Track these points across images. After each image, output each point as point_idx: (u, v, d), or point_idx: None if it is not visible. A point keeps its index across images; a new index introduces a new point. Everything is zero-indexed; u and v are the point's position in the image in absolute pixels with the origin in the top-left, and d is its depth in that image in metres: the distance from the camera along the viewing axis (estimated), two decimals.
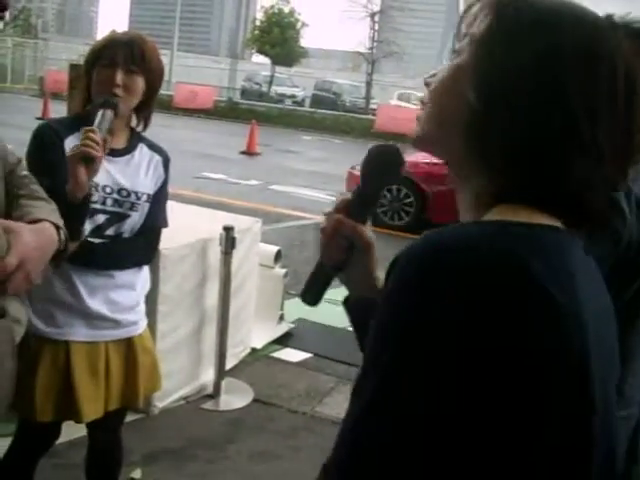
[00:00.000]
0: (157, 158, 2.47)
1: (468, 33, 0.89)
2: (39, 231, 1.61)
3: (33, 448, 2.53)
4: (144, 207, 2.39)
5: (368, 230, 1.14)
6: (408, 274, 0.78)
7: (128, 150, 2.40)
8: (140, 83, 2.29)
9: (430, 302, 0.75)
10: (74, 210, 2.04)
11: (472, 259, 0.76)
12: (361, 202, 1.15)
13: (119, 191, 2.33)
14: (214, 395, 4.28)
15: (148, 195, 2.40)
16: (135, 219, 2.37)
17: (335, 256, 1.15)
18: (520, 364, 0.74)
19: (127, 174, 2.37)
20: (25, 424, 2.43)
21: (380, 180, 1.14)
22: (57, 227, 1.69)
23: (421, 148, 0.99)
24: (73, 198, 2.05)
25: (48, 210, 1.73)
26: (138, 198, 2.37)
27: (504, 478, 0.76)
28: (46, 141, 2.27)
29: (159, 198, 2.45)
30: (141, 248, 2.42)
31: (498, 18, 0.86)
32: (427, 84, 0.95)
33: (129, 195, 2.35)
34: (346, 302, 1.23)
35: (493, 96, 0.83)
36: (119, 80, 2.24)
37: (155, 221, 2.44)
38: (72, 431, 2.82)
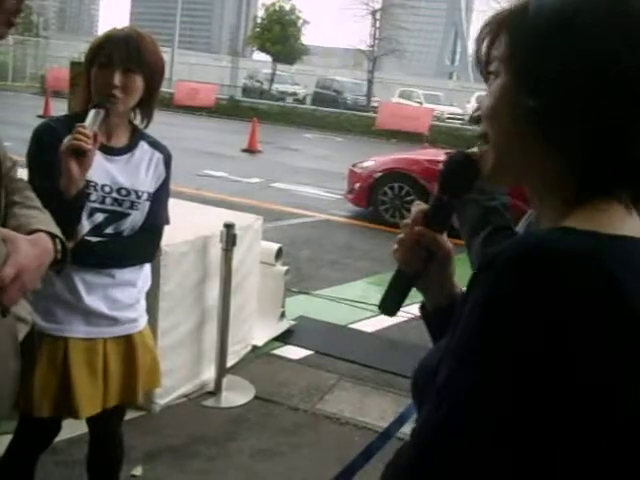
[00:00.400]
0: (158, 156, 2.46)
1: (494, 58, 0.92)
2: (35, 242, 1.60)
3: (33, 444, 2.53)
4: (145, 206, 2.38)
5: (446, 239, 1.15)
6: (502, 278, 0.79)
7: (129, 148, 2.40)
8: (139, 82, 2.28)
9: (527, 314, 0.76)
10: (68, 206, 2.04)
11: (571, 273, 0.76)
12: (440, 212, 1.15)
13: (118, 190, 2.33)
14: (215, 392, 4.29)
15: (149, 194, 2.40)
16: (136, 218, 2.36)
17: (414, 266, 1.15)
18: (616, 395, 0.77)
19: (127, 173, 2.36)
20: (25, 420, 2.43)
21: (459, 189, 1.14)
22: (53, 237, 1.69)
23: (497, 179, 1.00)
24: (67, 194, 2.06)
25: (43, 219, 1.73)
26: (138, 197, 2.37)
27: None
28: (46, 141, 2.26)
29: (160, 196, 2.45)
30: (141, 246, 2.41)
31: (515, 29, 0.89)
32: (476, 120, 0.98)
33: (129, 194, 2.35)
34: (423, 310, 1.24)
35: (552, 91, 0.85)
36: (117, 81, 2.23)
37: (156, 219, 2.43)
38: (73, 428, 2.83)
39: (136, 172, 2.39)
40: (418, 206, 1.15)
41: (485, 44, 0.94)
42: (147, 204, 2.39)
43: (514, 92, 0.88)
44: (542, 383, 0.75)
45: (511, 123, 0.90)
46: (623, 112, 0.83)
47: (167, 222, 2.51)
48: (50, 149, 2.19)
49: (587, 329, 0.75)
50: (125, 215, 2.34)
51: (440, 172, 1.14)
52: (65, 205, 2.00)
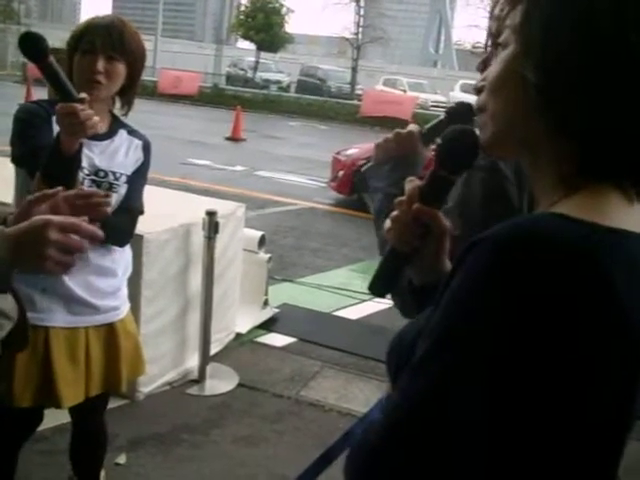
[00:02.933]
0: (137, 142, 2.47)
1: (506, 26, 0.91)
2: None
3: (15, 433, 2.53)
4: (123, 188, 2.38)
5: (442, 215, 1.11)
6: (492, 261, 0.78)
7: (108, 135, 2.40)
8: (121, 68, 2.29)
9: (514, 300, 0.76)
10: (69, 163, 2.04)
11: (565, 264, 0.76)
12: (439, 187, 1.10)
13: (96, 172, 2.33)
14: (199, 380, 4.29)
15: (127, 176, 2.40)
16: (114, 200, 2.36)
17: (411, 243, 1.11)
18: (590, 377, 0.77)
19: (104, 156, 2.36)
20: (6, 410, 2.42)
21: (457, 164, 1.09)
22: None
23: (495, 151, 0.99)
24: (67, 151, 2.03)
25: None
26: (116, 179, 2.36)
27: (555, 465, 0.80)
28: (28, 118, 2.28)
29: (137, 178, 2.44)
30: (117, 226, 2.36)
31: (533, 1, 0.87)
32: (479, 90, 0.96)
33: (106, 175, 2.34)
34: (411, 286, 1.21)
35: (555, 68, 0.84)
36: (100, 67, 2.24)
37: (132, 202, 2.42)
38: (57, 417, 2.82)
39: (114, 155, 2.39)
40: (412, 182, 1.11)
41: (502, 13, 0.93)
42: (125, 187, 2.39)
43: (521, 63, 0.87)
44: (521, 371, 0.75)
45: (514, 94, 0.89)
46: (628, 93, 0.82)
47: (142, 209, 2.50)
48: (32, 127, 2.20)
49: (573, 323, 0.75)
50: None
51: (438, 147, 1.10)
52: (65, 163, 2.01)
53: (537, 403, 0.76)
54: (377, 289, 1.17)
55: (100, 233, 1.38)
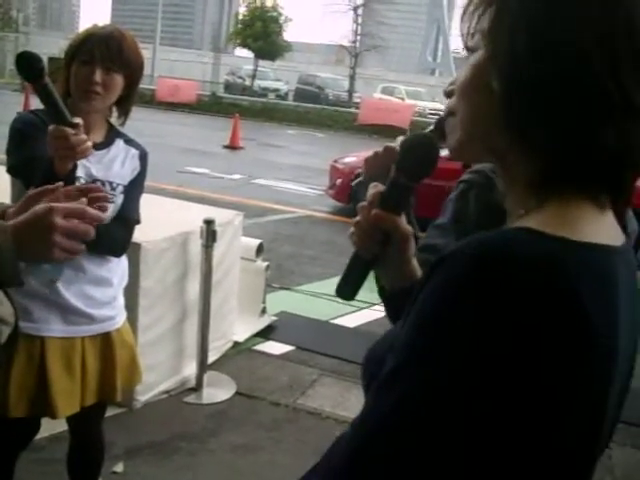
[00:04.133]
0: (134, 152, 2.48)
1: (476, 31, 0.89)
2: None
3: (12, 443, 2.53)
4: (119, 199, 2.38)
5: (404, 221, 1.10)
6: (459, 274, 0.77)
7: (105, 145, 2.40)
8: (119, 80, 2.30)
9: (474, 309, 0.74)
10: (64, 180, 2.03)
11: (529, 281, 0.74)
12: (398, 194, 1.10)
13: (93, 182, 2.33)
14: (197, 388, 4.29)
15: (123, 186, 2.40)
16: (111, 210, 2.36)
17: (371, 249, 1.11)
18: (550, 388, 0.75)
19: (101, 166, 2.37)
20: (2, 420, 2.42)
21: (417, 171, 1.09)
22: None
23: (461, 155, 0.97)
24: (61, 170, 2.02)
25: None
26: (113, 189, 2.37)
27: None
28: (24, 129, 2.28)
29: (133, 188, 2.45)
30: (113, 235, 2.37)
31: (502, 3, 0.85)
32: (448, 94, 0.95)
33: (103, 185, 2.34)
34: (382, 293, 1.21)
35: (514, 78, 0.82)
36: (98, 78, 2.25)
37: (128, 212, 2.43)
38: (54, 425, 2.82)
39: (110, 165, 2.40)
40: (375, 188, 1.10)
41: (473, 15, 0.90)
42: (122, 197, 2.39)
43: (487, 69, 0.85)
44: (489, 387, 0.73)
45: (481, 101, 0.87)
46: (589, 108, 0.80)
47: (138, 219, 2.50)
48: (29, 138, 2.21)
49: (539, 340, 0.73)
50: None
51: (398, 154, 1.10)
52: (59, 180, 2.01)
53: (507, 420, 0.75)
54: (343, 293, 1.18)
55: (104, 216, 1.37)
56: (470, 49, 0.91)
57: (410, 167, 1.08)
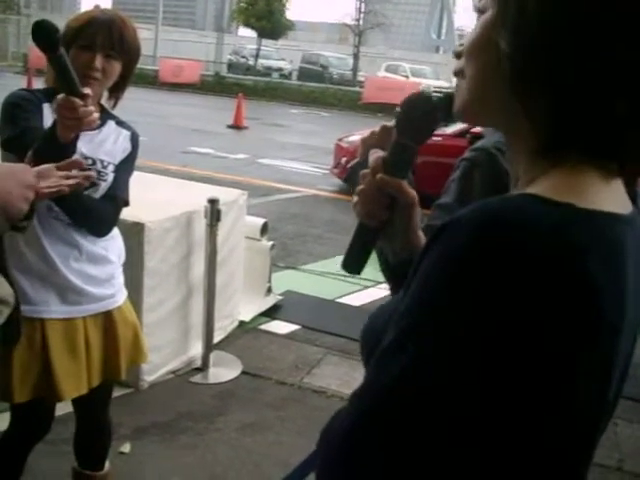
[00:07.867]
0: (125, 133, 2.47)
1: None
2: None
3: (28, 432, 2.53)
4: (110, 177, 2.37)
5: (409, 186, 1.07)
6: (461, 242, 0.75)
7: (97, 126, 2.38)
8: (117, 67, 2.30)
9: (478, 277, 0.73)
10: (63, 150, 2.02)
11: (535, 248, 0.73)
12: (401, 157, 1.07)
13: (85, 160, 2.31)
14: (203, 368, 4.29)
15: (114, 165, 2.39)
16: (103, 189, 2.34)
17: (377, 217, 1.08)
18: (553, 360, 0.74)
19: (92, 145, 2.35)
20: (18, 408, 2.41)
21: (419, 132, 1.07)
22: None
23: (468, 117, 0.96)
24: (65, 138, 2.03)
25: None
26: (104, 167, 2.35)
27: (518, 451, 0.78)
28: (29, 98, 2.28)
29: (123, 168, 2.43)
30: (103, 211, 2.35)
31: None
32: (458, 54, 0.93)
33: (94, 163, 2.33)
34: (385, 268, 1.18)
35: (523, 38, 0.81)
36: (98, 64, 2.24)
37: (118, 190, 2.40)
38: (60, 406, 2.82)
39: (101, 144, 2.39)
40: (376, 153, 1.08)
41: None
42: (112, 175, 2.38)
43: (495, 29, 0.84)
44: (495, 353, 0.73)
45: (488, 61, 0.86)
46: (599, 72, 0.78)
47: (127, 199, 2.47)
48: (23, 111, 2.22)
49: (545, 306, 0.72)
50: (92, 186, 2.29)
51: (398, 114, 1.07)
52: (60, 148, 2.00)
53: (512, 389, 0.74)
54: (350, 267, 1.14)
55: (93, 174, 1.41)
56: (480, 10, 0.89)
57: (410, 126, 1.06)
